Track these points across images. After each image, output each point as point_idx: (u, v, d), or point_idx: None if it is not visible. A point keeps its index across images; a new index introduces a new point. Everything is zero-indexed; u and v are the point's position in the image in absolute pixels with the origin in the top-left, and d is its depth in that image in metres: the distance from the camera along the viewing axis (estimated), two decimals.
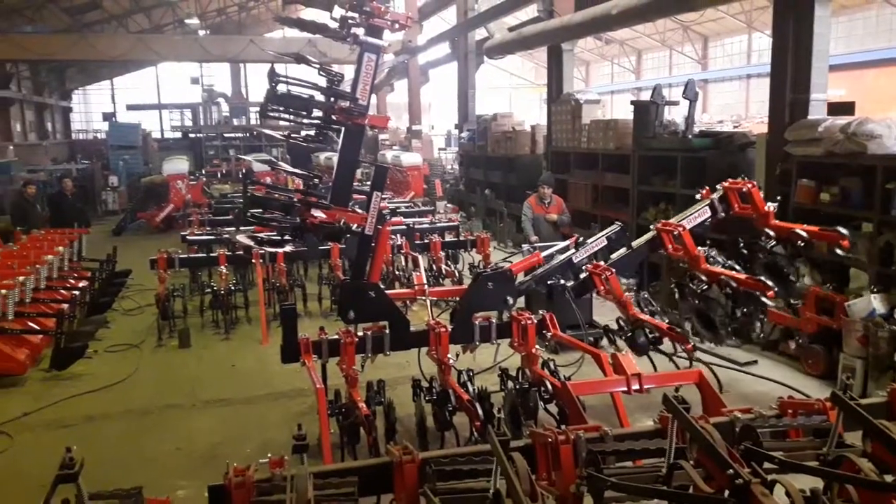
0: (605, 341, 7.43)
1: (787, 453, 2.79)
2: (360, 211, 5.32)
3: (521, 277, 7.02)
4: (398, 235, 9.46)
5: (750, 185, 5.84)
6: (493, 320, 5.76)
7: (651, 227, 6.19)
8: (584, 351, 5.71)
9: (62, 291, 8.58)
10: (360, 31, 5.06)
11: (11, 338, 6.95)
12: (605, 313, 8.44)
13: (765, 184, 7.65)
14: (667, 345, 5.76)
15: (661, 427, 3.23)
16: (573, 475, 2.90)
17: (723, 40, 37.58)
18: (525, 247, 8.56)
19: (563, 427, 3.18)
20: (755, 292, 5.38)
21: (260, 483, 2.82)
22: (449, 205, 15.07)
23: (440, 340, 5.32)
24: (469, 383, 5.18)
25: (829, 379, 6.22)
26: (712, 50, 38.63)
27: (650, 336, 5.74)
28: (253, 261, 8.94)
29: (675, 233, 5.86)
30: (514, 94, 48.02)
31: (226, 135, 31.30)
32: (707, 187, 6.18)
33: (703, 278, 5.63)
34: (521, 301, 7.29)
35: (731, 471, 2.38)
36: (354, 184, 5.50)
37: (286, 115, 5.09)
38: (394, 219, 10.23)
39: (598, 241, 6.19)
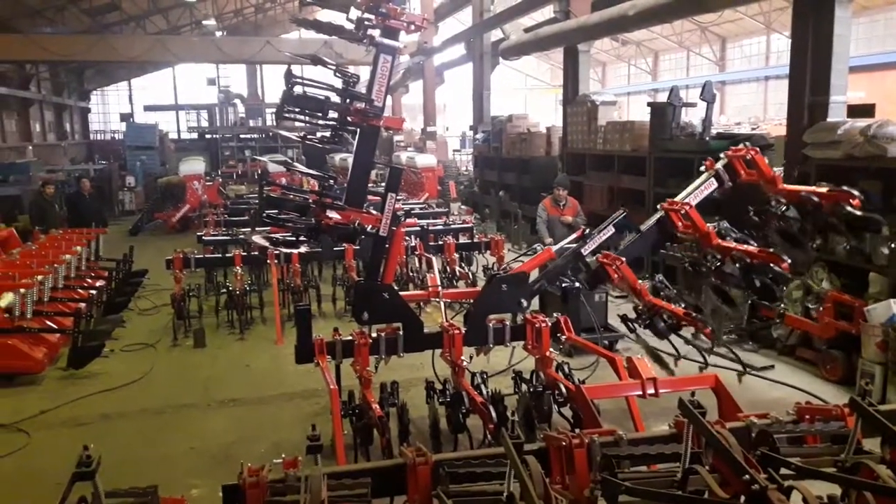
0: (620, 343, 7.42)
1: (804, 459, 2.76)
2: (374, 212, 5.33)
3: (535, 274, 6.98)
4: (412, 237, 9.47)
5: (754, 152, 5.75)
6: (507, 322, 5.74)
7: (658, 206, 6.09)
8: (598, 354, 5.68)
9: (79, 291, 8.67)
10: (375, 33, 5.07)
11: (29, 336, 7.03)
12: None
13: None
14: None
15: (676, 431, 3.21)
16: (587, 479, 2.89)
17: (741, 41, 37.30)
18: (536, 245, 8.51)
19: (577, 431, 3.16)
20: (769, 265, 5.31)
21: (274, 483, 2.83)
22: (463, 206, 15.08)
23: (454, 342, 5.31)
24: (483, 386, 5.17)
25: (848, 384, 6.16)
26: (730, 51, 38.35)
27: (668, 322, 5.70)
28: (268, 261, 8.98)
29: (683, 211, 5.79)
30: (529, 95, 47.96)
31: (242, 136, 31.49)
32: (710, 158, 6.09)
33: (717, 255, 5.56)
34: (536, 303, 7.28)
35: (747, 476, 2.36)
36: (369, 185, 5.51)
37: (302, 117, 5.11)
38: (408, 220, 10.24)
39: (605, 231, 6.07)
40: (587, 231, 6.15)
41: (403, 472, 2.99)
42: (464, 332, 5.41)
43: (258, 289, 8.86)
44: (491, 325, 5.62)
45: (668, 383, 4.78)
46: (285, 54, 20.19)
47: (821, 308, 6.53)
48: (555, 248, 7.16)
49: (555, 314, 5.88)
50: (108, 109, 41.69)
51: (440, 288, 6.86)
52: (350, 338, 5.26)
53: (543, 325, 5.43)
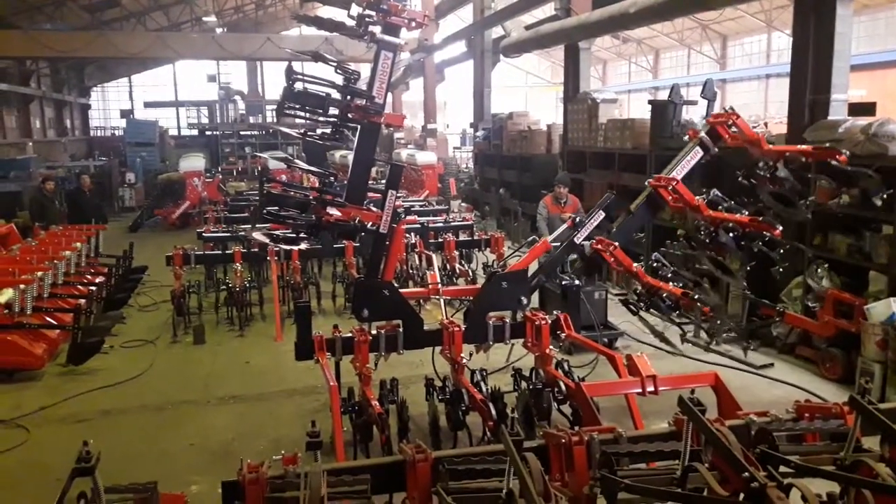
0: (620, 341, 7.42)
1: (803, 457, 2.76)
2: (374, 209, 5.32)
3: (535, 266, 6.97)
4: (412, 234, 9.47)
5: (735, 117, 5.74)
6: (507, 320, 5.75)
7: (646, 183, 6.07)
8: (598, 352, 5.69)
9: (79, 287, 8.67)
10: (377, 30, 5.06)
11: (29, 332, 7.03)
12: (619, 315, 8.42)
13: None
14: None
15: (675, 429, 3.21)
16: (586, 476, 2.89)
17: (742, 39, 37.24)
18: (532, 238, 8.49)
19: (576, 428, 3.16)
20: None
21: (273, 479, 2.83)
22: (463, 204, 15.07)
23: (454, 340, 5.31)
24: (482, 383, 5.17)
25: (847, 383, 6.16)
26: (731, 49, 38.30)
27: (668, 302, 5.71)
28: (268, 258, 8.99)
29: (671, 186, 5.77)
30: (529, 92, 47.89)
31: (242, 132, 31.47)
32: (691, 129, 6.07)
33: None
34: (536, 301, 7.28)
35: (746, 474, 2.36)
36: (369, 182, 5.50)
37: (302, 113, 5.10)
38: (408, 217, 10.24)
39: (595, 216, 6.05)
40: (578, 219, 6.11)
41: (403, 468, 2.99)
42: (463, 329, 5.42)
43: (258, 285, 8.87)
44: (491, 322, 5.63)
45: (667, 381, 4.78)
46: (286, 51, 20.09)
47: (820, 306, 6.54)
48: (549, 238, 7.15)
49: (555, 312, 5.88)
50: (108, 106, 41.63)
51: (440, 285, 6.87)
52: (350, 335, 5.27)
53: (543, 322, 5.44)
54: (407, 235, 9.03)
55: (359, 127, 5.18)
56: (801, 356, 6.89)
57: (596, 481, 2.71)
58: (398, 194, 5.56)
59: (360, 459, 4.55)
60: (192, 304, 8.53)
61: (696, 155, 5.78)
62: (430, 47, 22.06)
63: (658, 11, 10.29)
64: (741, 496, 2.37)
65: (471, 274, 9.10)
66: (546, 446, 3.11)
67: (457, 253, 9.51)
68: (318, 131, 5.33)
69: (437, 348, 5.53)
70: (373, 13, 4.98)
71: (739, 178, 5.75)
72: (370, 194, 5.58)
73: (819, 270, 6.79)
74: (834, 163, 5.28)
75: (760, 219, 5.32)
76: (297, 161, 7.64)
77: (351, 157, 5.41)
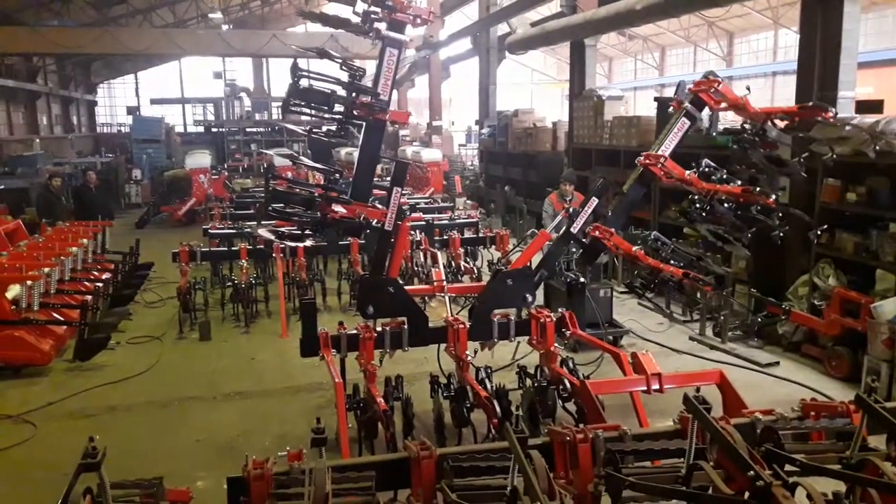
0: (625, 339, 7.41)
1: (808, 456, 2.75)
2: (379, 206, 5.33)
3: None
4: (417, 231, 9.47)
5: (716, 83, 5.72)
6: (512, 317, 5.75)
7: (636, 161, 6.04)
8: (603, 350, 5.68)
9: (86, 283, 8.69)
10: (382, 26, 5.05)
11: (36, 328, 7.06)
12: (624, 313, 8.42)
13: (790, 183, 7.54)
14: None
15: (680, 427, 3.21)
16: (591, 474, 2.89)
17: (748, 37, 37.08)
18: (531, 231, 8.44)
19: (581, 426, 3.16)
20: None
21: (278, 476, 2.84)
22: (468, 201, 15.05)
23: (458, 337, 5.32)
24: (487, 380, 5.17)
25: (854, 381, 6.14)
26: (738, 46, 38.13)
27: (673, 282, 5.72)
28: (273, 255, 9.00)
29: (660, 164, 5.76)
30: (535, 89, 47.79)
31: (248, 129, 31.49)
32: (677, 99, 6.04)
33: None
34: (541, 298, 7.27)
35: (751, 472, 2.36)
36: (374, 179, 5.50)
37: (308, 110, 5.10)
38: (413, 215, 10.23)
39: (589, 204, 5.97)
40: (572, 210, 6.07)
41: (408, 465, 3.00)
42: (468, 326, 5.42)
43: (263, 282, 8.88)
44: (496, 319, 5.62)
45: (672, 379, 4.78)
46: (291, 48, 20.07)
47: (827, 304, 6.52)
48: (548, 228, 7.11)
49: (560, 309, 5.87)
50: (114, 102, 41.72)
51: (445, 282, 6.87)
52: (355, 332, 5.28)
53: (548, 320, 5.43)
54: (412, 233, 9.04)
55: (364, 124, 5.18)
56: (807, 354, 6.88)
57: (601, 479, 2.71)
58: (403, 191, 5.56)
59: (364, 456, 4.57)
60: (198, 301, 8.55)
61: (682, 126, 5.76)
62: (435, 44, 22.03)
63: (664, 8, 10.26)
64: (746, 495, 2.37)
65: (476, 271, 9.10)
66: (551, 444, 3.11)
67: (462, 250, 9.51)
68: (324, 128, 5.32)
69: (442, 345, 5.53)
70: (378, 10, 4.97)
71: (731, 145, 5.76)
72: (375, 191, 5.58)
73: (825, 269, 6.77)
74: (820, 119, 5.28)
75: (754, 189, 5.32)
76: (302, 158, 7.63)
77: (356, 154, 5.41)
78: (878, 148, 6.28)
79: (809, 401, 3.41)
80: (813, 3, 7.37)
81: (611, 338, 7.12)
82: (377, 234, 5.38)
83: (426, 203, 12.63)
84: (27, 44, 23.39)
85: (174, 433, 5.53)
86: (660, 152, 5.72)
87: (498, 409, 4.67)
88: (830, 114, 5.19)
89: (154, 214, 17.28)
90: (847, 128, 6.55)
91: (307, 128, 5.67)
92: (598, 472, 2.82)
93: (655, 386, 4.67)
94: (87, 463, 2.60)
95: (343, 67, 5.09)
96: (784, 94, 29.84)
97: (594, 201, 5.87)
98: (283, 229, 6.10)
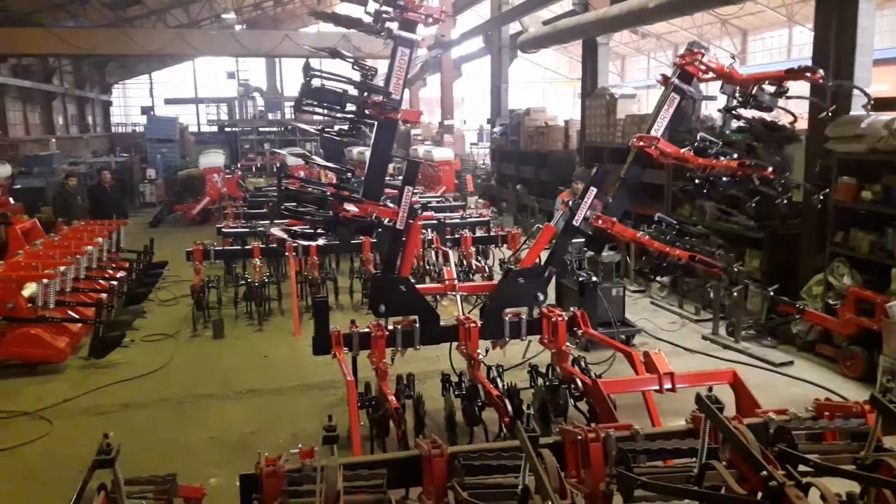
0: (637, 338, 7.38)
1: (822, 456, 2.74)
2: (391, 205, 5.34)
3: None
4: (429, 230, 9.48)
5: (701, 54, 5.69)
6: (524, 316, 5.74)
7: (629, 144, 6.02)
8: (615, 349, 5.67)
9: (101, 282, 8.77)
10: (394, 26, 5.06)
11: (52, 326, 7.13)
12: (636, 311, 8.39)
13: (804, 180, 7.48)
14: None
15: (693, 427, 3.20)
16: (603, 473, 2.89)
17: (762, 34, 36.80)
18: (537, 226, 8.40)
19: (593, 425, 3.16)
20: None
21: (290, 473, 2.86)
22: (480, 200, 15.05)
23: (470, 336, 5.32)
24: (498, 379, 5.17)
25: (868, 381, 6.09)
26: (751, 44, 37.86)
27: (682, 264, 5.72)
28: (286, 253, 9.04)
29: (654, 146, 5.74)
30: (547, 88, 47.69)
31: (261, 129, 31.63)
32: (663, 75, 6.01)
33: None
34: (552, 297, 7.26)
35: (764, 473, 2.35)
36: (386, 178, 5.51)
37: (320, 110, 5.12)
38: (425, 213, 10.24)
39: (589, 194, 5.90)
40: (571, 203, 6.02)
41: (419, 463, 3.01)
42: (480, 325, 5.42)
43: (276, 280, 8.92)
44: (507, 318, 5.62)
45: (685, 378, 4.76)
46: (304, 48, 20.19)
47: (842, 304, 6.46)
48: (553, 222, 7.09)
49: (571, 308, 5.86)
50: (129, 102, 42.06)
51: (456, 281, 6.87)
52: (367, 330, 5.29)
53: (560, 318, 5.43)
54: (423, 231, 9.05)
55: (376, 123, 5.19)
56: (822, 354, 6.82)
57: (612, 478, 2.71)
58: (415, 190, 5.57)
59: (376, 454, 4.58)
60: (212, 299, 8.60)
61: (673, 102, 5.73)
62: (447, 43, 22.02)
63: (677, 6, 10.21)
64: (759, 495, 2.36)
65: (487, 270, 9.09)
66: (562, 443, 3.11)
67: (473, 249, 9.51)
68: (336, 128, 5.34)
69: (454, 344, 5.54)
70: (390, 9, 4.98)
71: (726, 112, 5.74)
72: (387, 190, 5.59)
73: (840, 267, 6.71)
74: (808, 74, 5.26)
75: (751, 162, 5.30)
76: (314, 157, 7.67)
77: (368, 153, 5.42)
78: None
79: (824, 401, 3.39)
80: (828, 0, 7.31)
81: (623, 337, 7.09)
82: (389, 233, 5.39)
83: (438, 202, 12.64)
84: (44, 45, 23.61)
85: (188, 430, 5.57)
86: (653, 132, 5.71)
87: (509, 407, 4.66)
88: (819, 75, 5.17)
89: (168, 213, 17.40)
90: (862, 125, 6.49)
91: (319, 127, 5.69)
92: (610, 472, 2.81)
93: (668, 385, 4.65)
94: (102, 459, 2.63)
95: (355, 67, 5.10)
96: (798, 91, 29.56)
97: (593, 191, 5.81)
98: (295, 228, 6.13)
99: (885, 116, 6.43)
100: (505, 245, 9.72)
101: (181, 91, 38.38)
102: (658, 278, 9.10)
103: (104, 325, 7.28)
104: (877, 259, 6.54)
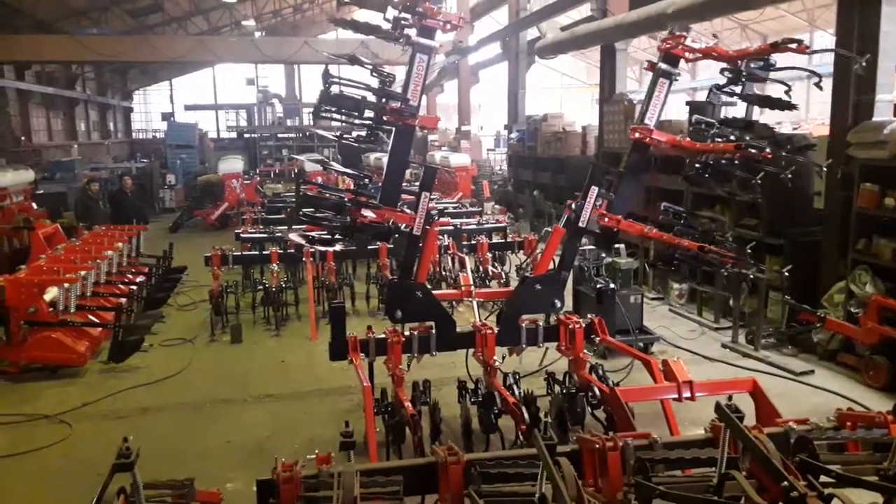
0: (656, 345, 7.32)
1: (845, 467, 2.69)
2: (408, 211, 5.35)
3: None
4: (445, 236, 9.48)
5: (682, 38, 5.68)
6: (540, 323, 5.72)
7: (628, 136, 6.03)
8: (633, 356, 5.62)
9: (121, 286, 8.86)
10: (412, 33, 5.08)
11: (73, 330, 7.22)
12: (655, 319, 8.33)
13: (825, 187, 7.40)
14: None
15: (712, 436, 3.16)
16: (621, 482, 2.86)
17: (783, 37, 36.50)
18: (543, 232, 8.34)
19: (610, 433, 3.13)
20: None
21: (307, 479, 2.87)
22: (497, 206, 15.04)
23: (486, 342, 5.31)
24: (515, 386, 5.15)
25: (892, 391, 6.00)
26: None
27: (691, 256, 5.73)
28: (304, 259, 9.08)
29: (649, 138, 5.73)
30: (565, 94, 47.59)
31: (279, 135, 31.92)
32: (648, 61, 6.04)
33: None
34: (569, 304, 7.23)
35: (785, 483, 2.32)
36: (403, 184, 5.53)
37: (338, 116, 5.15)
38: (441, 219, 10.24)
39: (591, 194, 5.82)
40: (574, 205, 5.97)
41: (435, 470, 3.00)
42: (496, 332, 5.40)
43: (294, 286, 8.96)
44: (524, 325, 5.60)
45: (704, 387, 4.71)
46: (323, 54, 20.34)
47: (864, 312, 6.37)
48: (561, 223, 7.03)
49: (589, 315, 5.83)
50: (149, 109, 42.62)
51: (473, 287, 6.86)
52: (383, 336, 5.29)
53: (577, 326, 5.40)
54: (440, 237, 9.04)
55: (393, 129, 5.21)
56: (843, 363, 6.72)
57: (630, 488, 2.68)
58: (432, 196, 5.57)
59: (392, 460, 4.57)
60: (230, 304, 8.66)
61: (662, 87, 5.73)
62: (464, 49, 22.08)
63: (697, 11, 10.15)
64: None
65: (504, 276, 9.08)
66: (580, 451, 3.09)
67: (490, 255, 9.49)
68: (354, 134, 5.38)
69: (470, 350, 5.53)
70: (408, 16, 5.00)
71: (710, 91, 5.74)
72: (404, 196, 5.61)
73: (862, 275, 6.62)
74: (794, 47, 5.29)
75: (745, 144, 5.30)
76: (332, 163, 7.70)
77: (385, 159, 5.44)
78: None
79: (846, 410, 3.34)
80: (850, 4, 7.23)
81: (641, 344, 7.03)
82: (406, 239, 5.40)
83: (454, 208, 12.64)
84: (67, 52, 24.01)
85: (205, 434, 5.60)
86: (646, 120, 5.69)
87: (526, 415, 4.65)
88: (804, 46, 5.17)
89: (187, 219, 17.55)
90: (885, 131, 6.41)
91: (338, 133, 5.73)
92: (628, 481, 2.79)
93: (687, 394, 4.61)
94: (121, 463, 2.65)
95: (373, 73, 5.13)
96: (820, 97, 29.26)
97: (594, 189, 5.78)
98: (313, 234, 6.16)
99: None
100: (521, 251, 9.70)
101: (201, 97, 38.83)
102: (676, 285, 9.05)
103: (124, 329, 7.35)
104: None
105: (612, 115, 12.41)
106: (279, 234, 10.17)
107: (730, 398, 3.00)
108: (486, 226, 10.62)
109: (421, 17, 4.98)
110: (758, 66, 5.47)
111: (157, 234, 15.11)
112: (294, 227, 9.90)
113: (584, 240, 6.33)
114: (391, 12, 5.04)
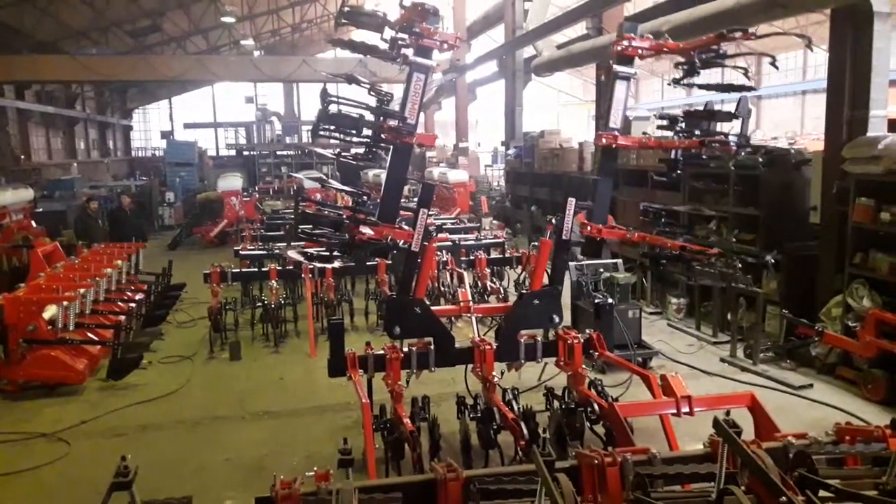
0: (654, 360, 7.32)
1: (843, 481, 2.69)
2: (406, 227, 5.37)
3: None
4: (444, 252, 9.50)
5: (631, 38, 5.83)
6: (539, 338, 5.72)
7: (594, 143, 6.17)
8: (632, 371, 5.63)
9: (120, 304, 8.86)
10: (409, 52, 5.14)
11: (71, 348, 7.20)
12: (653, 333, 8.33)
13: (821, 202, 7.45)
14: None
15: (711, 451, 3.16)
16: (620, 498, 2.86)
17: (777, 55, 36.79)
18: (532, 244, 8.38)
19: (609, 449, 3.14)
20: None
21: (306, 496, 2.86)
22: (495, 221, 15.08)
23: (485, 358, 5.31)
24: (514, 402, 5.15)
25: (891, 405, 5.99)
26: (766, 65, 37.84)
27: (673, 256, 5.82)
28: (302, 276, 9.09)
29: (615, 145, 5.87)
30: (561, 110, 47.89)
31: (278, 153, 32.01)
32: (601, 66, 6.21)
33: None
34: (568, 319, 7.23)
35: (784, 498, 2.32)
36: (402, 201, 5.56)
37: (337, 134, 5.19)
38: (440, 235, 10.27)
39: (569, 206, 5.83)
40: (555, 220, 6.00)
41: (434, 487, 3.00)
42: (495, 347, 5.41)
43: (293, 302, 8.97)
44: (522, 340, 5.61)
45: (703, 401, 4.71)
46: (321, 73, 20.46)
47: (861, 326, 6.38)
48: (547, 235, 7.07)
49: (587, 330, 5.84)
50: (149, 127, 42.80)
51: (471, 303, 6.87)
52: (382, 352, 5.30)
53: (576, 341, 5.40)
54: (438, 253, 9.07)
55: (391, 147, 5.25)
56: (842, 377, 6.73)
57: (629, 503, 2.68)
58: (430, 212, 5.60)
59: (391, 477, 4.56)
60: (229, 321, 8.65)
61: (621, 90, 5.83)
62: (461, 67, 22.24)
63: (691, 30, 10.23)
64: None
65: (502, 291, 9.09)
66: (578, 467, 3.09)
67: (488, 270, 9.51)
68: (352, 151, 5.41)
69: (469, 366, 5.53)
70: (405, 36, 5.06)
71: (678, 81, 6.02)
72: (402, 212, 5.64)
73: (859, 289, 6.64)
74: (747, 43, 5.46)
75: (710, 140, 5.47)
76: (331, 181, 7.76)
77: (384, 176, 5.47)
78: None
79: (844, 424, 3.35)
80: (843, 22, 7.32)
81: (640, 359, 7.04)
82: (404, 255, 5.42)
83: (452, 223, 12.68)
84: (67, 72, 24.16)
85: (204, 452, 5.58)
86: (610, 124, 5.79)
87: (525, 431, 4.64)
88: (749, 34, 5.33)
89: (186, 236, 17.57)
90: (879, 146, 6.46)
91: (336, 151, 5.77)
92: (627, 496, 2.79)
93: (685, 408, 4.60)
94: (120, 482, 2.66)
95: (371, 92, 5.17)
96: (815, 112, 29.47)
97: (572, 201, 5.84)
98: (311, 250, 6.19)
99: None
100: (519, 266, 9.72)
101: (200, 115, 39.01)
102: (675, 299, 9.07)
103: (122, 346, 7.34)
104: None
105: None
106: (278, 251, 10.19)
107: (728, 413, 3.01)
108: (484, 241, 10.66)
109: (418, 37, 5.04)
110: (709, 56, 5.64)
111: (156, 251, 15.12)
112: (293, 244, 9.93)
113: (573, 251, 6.45)
114: (388, 32, 5.10)
